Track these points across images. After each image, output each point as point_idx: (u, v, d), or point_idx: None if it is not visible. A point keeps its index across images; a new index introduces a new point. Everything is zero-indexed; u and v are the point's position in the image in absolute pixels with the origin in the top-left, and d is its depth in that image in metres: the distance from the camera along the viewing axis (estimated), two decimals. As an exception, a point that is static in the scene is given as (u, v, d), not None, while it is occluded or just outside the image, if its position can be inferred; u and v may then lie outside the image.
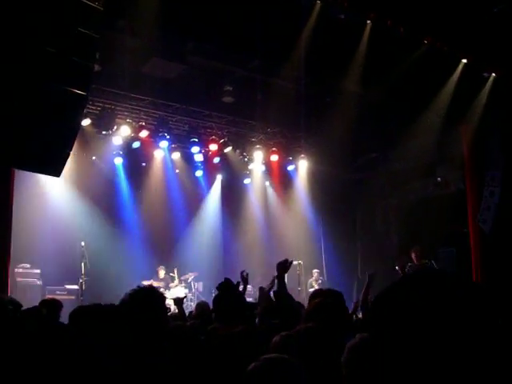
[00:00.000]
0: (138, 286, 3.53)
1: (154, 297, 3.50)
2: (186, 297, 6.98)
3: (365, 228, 15.41)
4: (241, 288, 5.88)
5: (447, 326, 1.07)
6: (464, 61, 11.20)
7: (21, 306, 4.63)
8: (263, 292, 6.00)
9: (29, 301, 7.34)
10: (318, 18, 9.50)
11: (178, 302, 6.11)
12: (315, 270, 13.93)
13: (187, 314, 6.79)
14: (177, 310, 6.12)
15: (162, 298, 3.63)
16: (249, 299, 8.57)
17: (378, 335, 1.15)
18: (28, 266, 11.65)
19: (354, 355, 2.63)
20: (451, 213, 12.96)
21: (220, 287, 4.88)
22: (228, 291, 4.81)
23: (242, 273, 6.21)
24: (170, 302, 7.86)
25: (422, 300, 1.09)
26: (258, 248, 14.92)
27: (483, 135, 12.13)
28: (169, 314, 4.12)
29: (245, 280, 6.17)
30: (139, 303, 3.34)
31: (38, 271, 11.76)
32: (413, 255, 12.19)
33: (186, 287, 13.46)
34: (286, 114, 12.47)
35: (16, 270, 11.14)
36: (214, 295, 4.90)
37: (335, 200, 14.74)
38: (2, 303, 4.37)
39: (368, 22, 9.92)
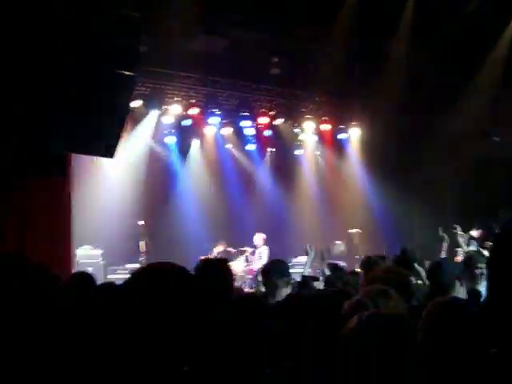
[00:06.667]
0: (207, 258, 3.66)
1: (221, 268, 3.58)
2: None
3: (421, 194, 15.07)
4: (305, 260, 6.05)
5: None
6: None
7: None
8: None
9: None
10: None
11: None
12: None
13: None
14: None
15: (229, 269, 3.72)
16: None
17: None
18: (90, 247, 11.94)
19: (433, 320, 2.58)
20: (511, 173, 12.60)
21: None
22: None
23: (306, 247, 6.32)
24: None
25: None
26: (313, 219, 14.86)
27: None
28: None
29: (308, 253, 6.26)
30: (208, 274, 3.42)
31: (100, 252, 12.05)
32: (475, 233, 11.88)
33: (245, 261, 13.54)
34: (336, 81, 12.27)
35: (78, 251, 11.44)
36: None
37: (389, 167, 14.47)
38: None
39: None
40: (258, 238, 12.96)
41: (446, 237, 10.23)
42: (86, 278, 4.65)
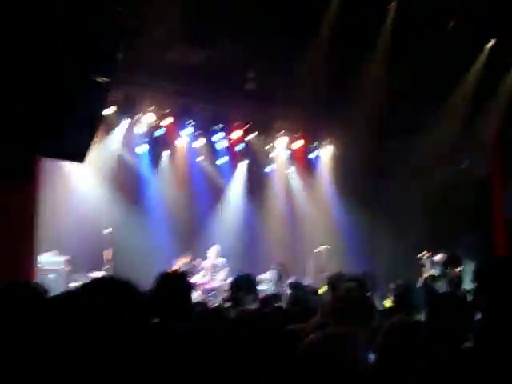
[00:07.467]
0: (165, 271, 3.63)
1: (180, 282, 3.57)
2: None
3: (388, 217, 15.13)
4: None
5: None
6: (491, 43, 11.00)
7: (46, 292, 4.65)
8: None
9: (55, 288, 7.38)
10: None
11: None
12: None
13: None
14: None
15: (188, 283, 3.69)
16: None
17: None
18: (54, 253, 11.74)
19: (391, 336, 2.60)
20: (476, 199, 12.78)
21: None
22: None
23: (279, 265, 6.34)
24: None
25: None
26: (282, 236, 14.86)
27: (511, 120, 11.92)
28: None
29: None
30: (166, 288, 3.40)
31: (64, 258, 11.85)
32: (438, 257, 12.02)
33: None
34: (311, 99, 12.34)
35: (41, 257, 11.19)
36: None
37: (360, 188, 14.54)
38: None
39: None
40: (213, 250, 12.89)
41: (426, 263, 10.37)
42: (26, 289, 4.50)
